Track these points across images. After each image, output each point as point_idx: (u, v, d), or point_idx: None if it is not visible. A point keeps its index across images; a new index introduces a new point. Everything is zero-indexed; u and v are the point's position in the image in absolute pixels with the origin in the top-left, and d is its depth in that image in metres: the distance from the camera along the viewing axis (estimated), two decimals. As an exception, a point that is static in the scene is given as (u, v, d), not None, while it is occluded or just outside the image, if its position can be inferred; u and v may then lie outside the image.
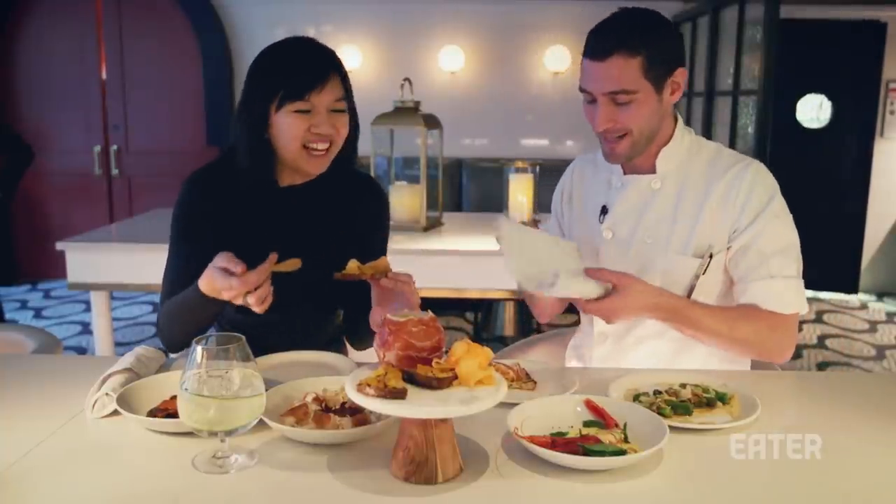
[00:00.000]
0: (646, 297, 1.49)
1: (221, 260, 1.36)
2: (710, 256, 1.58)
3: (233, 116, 1.61)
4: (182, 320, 1.53)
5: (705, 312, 1.54)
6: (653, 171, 1.64)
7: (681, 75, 1.57)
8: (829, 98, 5.81)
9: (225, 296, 1.35)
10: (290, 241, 1.55)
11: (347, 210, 1.69)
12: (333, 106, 1.53)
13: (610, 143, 1.59)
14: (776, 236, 1.55)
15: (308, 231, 1.65)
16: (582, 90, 1.58)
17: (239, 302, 1.34)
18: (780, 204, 1.58)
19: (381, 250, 1.72)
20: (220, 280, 1.34)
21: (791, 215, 1.59)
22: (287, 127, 1.51)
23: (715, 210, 1.58)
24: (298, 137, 1.51)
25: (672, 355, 1.67)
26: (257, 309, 1.34)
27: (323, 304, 1.74)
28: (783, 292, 1.53)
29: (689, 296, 1.61)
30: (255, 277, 1.32)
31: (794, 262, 1.55)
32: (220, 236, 1.56)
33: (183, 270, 1.56)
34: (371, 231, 1.74)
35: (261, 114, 1.53)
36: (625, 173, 1.67)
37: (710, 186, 1.59)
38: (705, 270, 1.59)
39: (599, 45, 1.53)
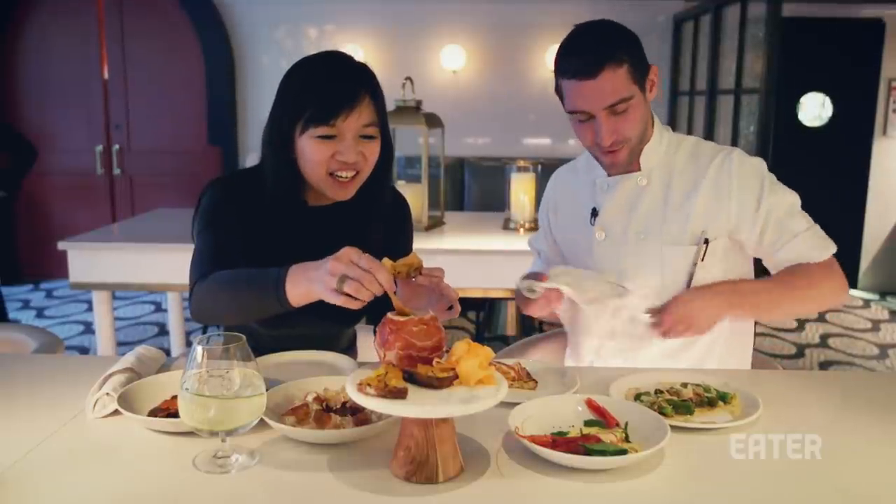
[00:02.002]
0: (711, 294, 1.59)
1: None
2: (706, 242, 1.62)
3: (262, 133, 1.52)
4: (234, 295, 1.36)
5: (765, 285, 1.63)
6: (637, 169, 1.68)
7: (654, 73, 1.63)
8: (829, 96, 5.81)
9: (337, 266, 1.17)
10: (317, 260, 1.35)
11: (375, 228, 1.62)
12: (362, 132, 1.43)
13: (611, 155, 1.63)
14: (782, 203, 1.62)
15: (336, 250, 1.42)
16: (572, 111, 1.60)
17: (333, 284, 1.17)
18: (770, 177, 1.65)
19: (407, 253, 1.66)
20: (351, 252, 1.18)
21: (777, 181, 1.67)
22: (311, 152, 1.43)
23: (707, 198, 1.63)
24: (323, 164, 1.43)
25: (673, 352, 1.68)
26: (341, 300, 1.18)
27: (347, 319, 1.68)
28: (811, 244, 1.61)
29: (689, 283, 1.64)
30: (388, 279, 1.17)
31: (803, 217, 1.64)
32: (246, 246, 1.49)
33: (219, 249, 1.45)
34: (396, 238, 1.68)
35: (286, 135, 1.45)
36: (609, 174, 1.70)
37: (699, 177, 1.64)
38: (703, 257, 1.63)
39: (585, 63, 1.53)
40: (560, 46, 1.59)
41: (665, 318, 1.55)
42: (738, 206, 1.61)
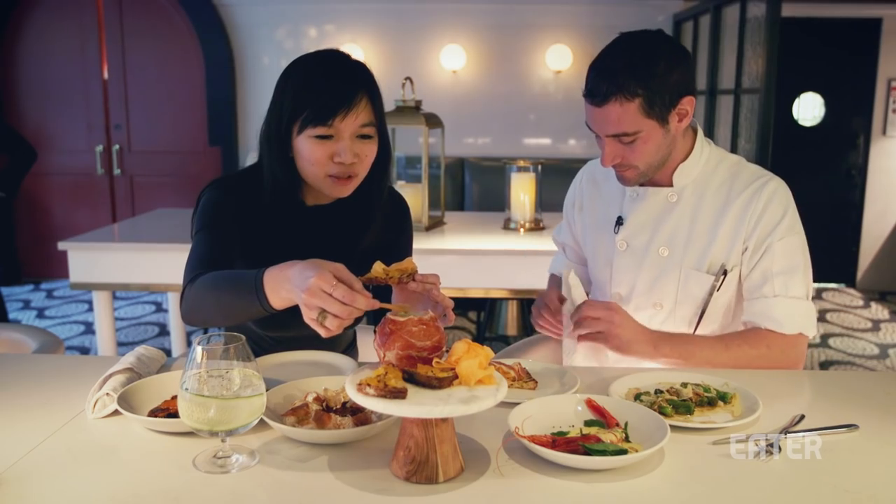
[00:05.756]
0: (634, 326, 1.52)
1: (341, 271, 1.16)
2: (725, 273, 1.58)
3: (259, 132, 1.52)
4: (220, 299, 1.33)
5: (713, 350, 1.53)
6: (669, 183, 1.63)
7: (688, 103, 1.53)
8: (826, 96, 5.81)
9: (311, 300, 1.13)
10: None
11: (373, 228, 1.61)
12: (360, 132, 1.42)
13: (619, 173, 1.60)
14: (782, 256, 1.53)
15: (335, 250, 1.48)
16: (587, 124, 1.56)
17: (312, 316, 1.15)
18: (789, 224, 1.55)
19: (407, 255, 1.65)
20: (322, 282, 1.13)
21: (803, 235, 1.57)
22: (308, 152, 1.41)
23: (731, 227, 1.57)
24: (320, 164, 1.42)
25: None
26: (322, 332, 1.17)
27: None
28: (785, 312, 1.52)
29: (703, 311, 1.60)
30: (368, 304, 1.14)
31: (800, 284, 1.54)
32: (245, 246, 1.49)
33: (213, 251, 1.44)
34: (395, 239, 1.68)
35: (283, 135, 1.44)
36: (640, 184, 1.66)
37: (729, 203, 1.58)
38: (720, 287, 1.58)
39: (596, 88, 1.48)
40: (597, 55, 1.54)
41: (590, 316, 1.50)
42: (749, 234, 1.55)
